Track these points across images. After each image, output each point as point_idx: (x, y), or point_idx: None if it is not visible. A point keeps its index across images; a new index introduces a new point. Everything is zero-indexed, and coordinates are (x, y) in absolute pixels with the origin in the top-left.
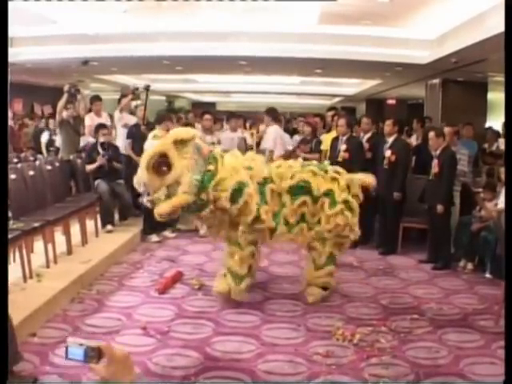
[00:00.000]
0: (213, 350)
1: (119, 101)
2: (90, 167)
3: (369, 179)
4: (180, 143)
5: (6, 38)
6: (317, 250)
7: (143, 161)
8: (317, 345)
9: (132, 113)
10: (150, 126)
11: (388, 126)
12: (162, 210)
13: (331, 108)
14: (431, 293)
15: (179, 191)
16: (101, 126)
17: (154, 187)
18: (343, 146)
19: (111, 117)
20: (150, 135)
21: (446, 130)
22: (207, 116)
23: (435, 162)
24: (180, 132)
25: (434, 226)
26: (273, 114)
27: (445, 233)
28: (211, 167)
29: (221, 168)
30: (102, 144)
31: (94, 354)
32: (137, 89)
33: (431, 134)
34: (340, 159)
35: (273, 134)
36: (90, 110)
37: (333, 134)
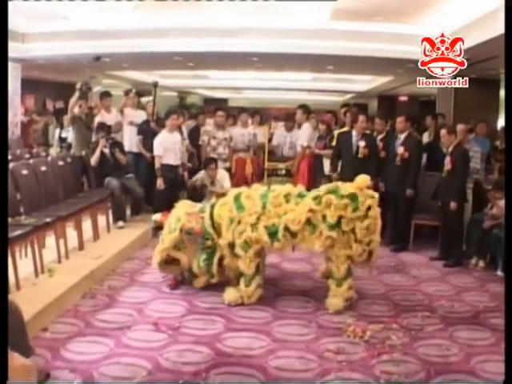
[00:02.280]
0: (224, 346)
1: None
2: (93, 158)
3: (363, 182)
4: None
5: (6, 37)
6: (333, 262)
7: (154, 262)
8: (328, 341)
9: (143, 108)
10: (160, 123)
11: (400, 122)
12: (196, 286)
13: (345, 104)
14: (442, 290)
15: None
16: (101, 127)
17: (176, 273)
18: (362, 143)
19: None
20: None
21: (459, 127)
22: (220, 112)
23: (448, 159)
24: (167, 241)
25: (446, 223)
26: (307, 110)
27: (457, 230)
28: (209, 243)
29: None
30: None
31: None
32: (130, 90)
33: (443, 132)
34: (360, 155)
35: (308, 130)
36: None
37: (345, 130)
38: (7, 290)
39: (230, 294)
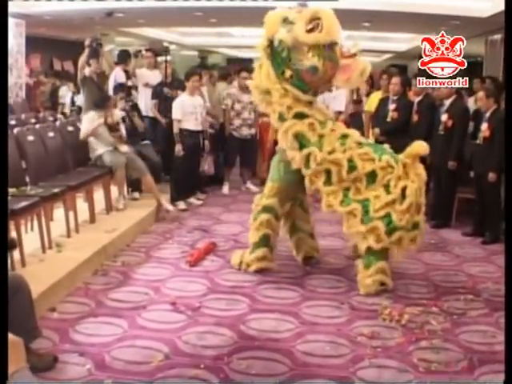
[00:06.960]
0: (248, 329)
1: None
2: None
3: (418, 148)
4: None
5: (6, 34)
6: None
7: None
8: (361, 325)
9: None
10: (176, 85)
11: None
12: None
13: (391, 66)
14: (488, 271)
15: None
16: (119, 87)
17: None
18: (392, 106)
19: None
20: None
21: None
22: (244, 73)
23: (485, 125)
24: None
25: (481, 195)
26: None
27: (495, 203)
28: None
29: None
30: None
31: None
32: (140, 51)
33: (480, 94)
34: (389, 119)
35: (345, 94)
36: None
37: (379, 93)
38: (7, 290)
39: (234, 255)
